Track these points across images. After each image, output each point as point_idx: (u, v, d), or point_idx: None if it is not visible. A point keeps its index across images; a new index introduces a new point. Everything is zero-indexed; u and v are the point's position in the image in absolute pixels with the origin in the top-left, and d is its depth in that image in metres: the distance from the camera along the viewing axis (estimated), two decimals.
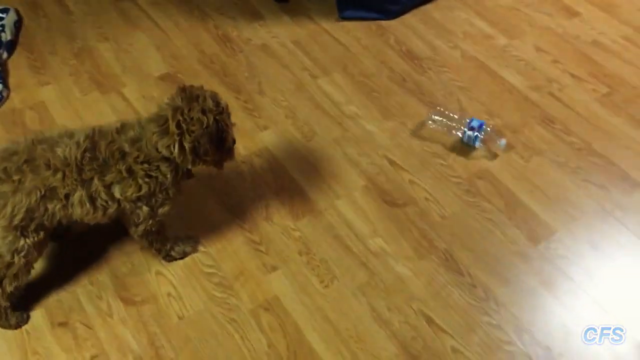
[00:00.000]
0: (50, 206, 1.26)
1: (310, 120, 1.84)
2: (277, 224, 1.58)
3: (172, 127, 1.26)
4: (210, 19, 2.18)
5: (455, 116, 1.80)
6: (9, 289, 1.33)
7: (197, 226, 1.56)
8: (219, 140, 1.32)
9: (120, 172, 1.28)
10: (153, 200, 1.34)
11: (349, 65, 2.01)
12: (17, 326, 1.40)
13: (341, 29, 2.14)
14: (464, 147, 1.77)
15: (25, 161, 1.25)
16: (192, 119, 1.26)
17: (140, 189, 1.30)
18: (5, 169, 1.24)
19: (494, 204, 1.62)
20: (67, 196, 1.27)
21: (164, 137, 1.27)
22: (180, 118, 1.26)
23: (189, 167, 1.35)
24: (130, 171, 1.29)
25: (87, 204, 1.29)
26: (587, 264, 1.50)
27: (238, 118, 1.83)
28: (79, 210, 1.29)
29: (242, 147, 1.75)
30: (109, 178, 1.28)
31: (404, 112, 1.86)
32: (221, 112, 1.32)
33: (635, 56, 2.04)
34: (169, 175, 1.32)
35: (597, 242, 1.54)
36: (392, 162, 1.72)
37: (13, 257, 1.29)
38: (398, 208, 1.62)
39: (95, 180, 1.27)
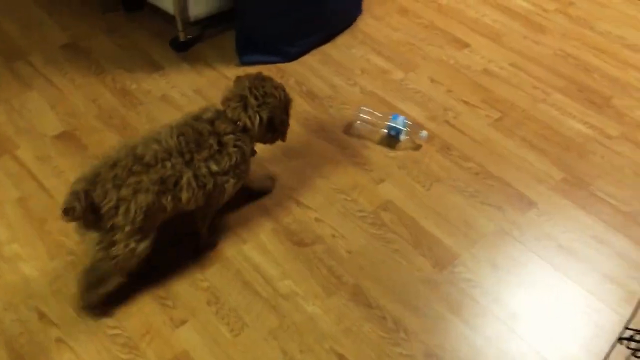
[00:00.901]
0: (163, 200, 1.36)
1: None
2: (184, 276, 1.55)
3: (252, 100, 1.47)
4: (108, 73, 2.15)
5: (380, 114, 1.92)
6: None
7: None
8: (286, 113, 1.56)
9: (212, 146, 1.41)
10: (237, 171, 1.47)
11: None
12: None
13: (241, 74, 2.15)
14: (390, 141, 1.91)
15: (134, 162, 1.33)
16: (266, 93, 1.48)
17: (231, 158, 1.44)
18: (115, 176, 1.31)
19: (399, 234, 1.66)
20: (176, 183, 1.37)
21: (245, 110, 1.46)
22: (257, 93, 1.47)
23: (262, 140, 1.55)
24: (220, 143, 1.43)
25: (193, 184, 1.39)
26: (490, 284, 1.55)
27: None
28: (186, 195, 1.39)
29: None
30: (205, 154, 1.40)
31: (307, 151, 1.89)
32: (284, 89, 1.55)
33: (522, 81, 2.16)
34: (249, 146, 1.49)
35: (498, 262, 1.60)
36: (298, 203, 1.73)
37: (133, 258, 1.37)
38: (306, 247, 1.62)
39: (195, 159, 1.39)
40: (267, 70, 2.18)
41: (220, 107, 1.50)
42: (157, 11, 2.30)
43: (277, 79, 2.12)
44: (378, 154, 1.88)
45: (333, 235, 1.65)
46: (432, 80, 2.16)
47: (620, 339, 1.29)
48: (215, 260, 1.58)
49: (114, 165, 1.33)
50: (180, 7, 2.14)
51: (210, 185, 1.43)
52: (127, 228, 1.32)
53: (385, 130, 1.92)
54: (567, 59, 2.25)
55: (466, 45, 2.32)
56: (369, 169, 1.83)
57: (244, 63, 2.19)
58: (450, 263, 1.59)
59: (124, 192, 1.31)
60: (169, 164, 1.36)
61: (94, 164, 1.35)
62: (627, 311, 1.48)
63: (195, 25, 2.26)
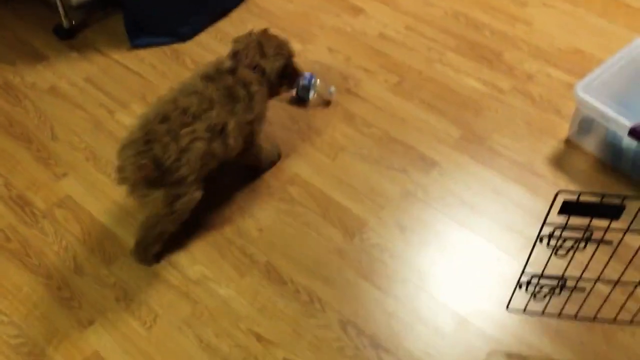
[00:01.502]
0: (214, 146, 1.42)
1: (113, 158, 1.74)
2: (88, 273, 1.49)
3: (268, 49, 1.58)
4: None
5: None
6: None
7: None
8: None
9: (244, 96, 1.49)
10: (262, 116, 1.57)
11: (147, 93, 1.95)
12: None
13: (134, 58, 2.08)
14: (299, 101, 1.93)
15: (183, 114, 1.37)
16: (278, 44, 1.61)
17: (259, 106, 1.53)
18: (169, 129, 1.34)
19: (308, 207, 1.66)
20: (222, 130, 1.43)
21: (262, 57, 1.56)
22: (270, 44, 1.59)
23: (274, 88, 1.62)
24: (249, 93, 1.50)
25: (236, 131, 1.46)
26: (399, 247, 1.58)
27: (32, 169, 1.71)
28: (232, 141, 1.46)
29: (41, 200, 1.64)
30: (241, 104, 1.47)
31: None
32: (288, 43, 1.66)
33: (418, 43, 2.19)
34: (267, 91, 1.58)
35: (405, 224, 1.64)
36: None
37: (191, 208, 1.44)
38: (215, 230, 1.60)
39: (235, 108, 1.45)
40: (162, 51, 2.11)
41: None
42: None
43: (172, 61, 2.09)
44: (282, 128, 1.86)
45: (242, 215, 1.63)
46: (330, 50, 2.16)
47: (519, 284, 1.35)
48: (120, 254, 1.53)
49: (164, 119, 1.36)
50: None
51: (246, 131, 1.52)
52: (191, 177, 1.38)
53: (293, 92, 1.93)
54: (458, 17, 2.30)
55: (361, 11, 2.33)
56: (269, 148, 1.82)
57: (135, 46, 2.10)
58: (359, 230, 1.61)
59: (183, 142, 1.35)
60: (214, 113, 1.41)
61: (136, 126, 1.37)
62: (526, 256, 1.56)
63: (80, 10, 2.14)
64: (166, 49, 2.12)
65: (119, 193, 1.66)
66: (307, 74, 1.91)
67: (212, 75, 1.49)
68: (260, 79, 1.56)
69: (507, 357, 1.39)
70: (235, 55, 1.57)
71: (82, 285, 1.47)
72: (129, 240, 1.56)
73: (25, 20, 2.21)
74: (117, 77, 2.01)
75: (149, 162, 1.31)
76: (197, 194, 1.43)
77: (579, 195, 1.09)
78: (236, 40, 1.61)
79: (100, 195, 1.66)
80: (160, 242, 1.49)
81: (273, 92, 1.65)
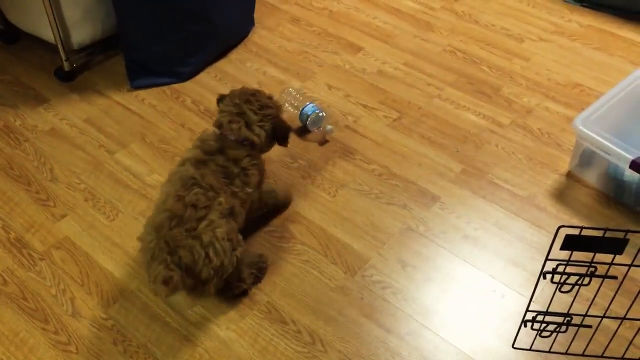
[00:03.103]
0: (231, 225, 1.41)
1: (112, 199, 1.75)
2: (85, 317, 1.47)
3: (252, 116, 1.50)
4: None
5: (301, 98, 1.99)
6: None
7: None
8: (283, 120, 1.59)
9: (239, 173, 1.46)
10: (260, 183, 1.55)
11: (147, 133, 1.96)
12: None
13: (134, 99, 2.09)
14: (301, 131, 1.97)
15: (194, 209, 1.35)
16: (262, 106, 1.51)
17: (255, 177, 1.49)
18: (188, 229, 1.33)
19: (308, 245, 1.64)
20: (231, 212, 1.42)
21: (248, 127, 1.49)
22: (253, 108, 1.50)
23: (266, 151, 1.57)
24: (243, 169, 1.47)
25: (241, 208, 1.46)
26: (401, 283, 1.56)
27: (30, 211, 1.71)
28: (239, 218, 1.46)
29: (39, 242, 1.63)
30: (238, 181, 1.45)
31: None
32: (273, 96, 1.59)
33: (416, 79, 2.21)
34: (260, 159, 1.54)
35: (407, 259, 1.61)
36: None
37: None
38: None
39: (236, 189, 1.44)
40: (161, 93, 2.12)
41: (214, 130, 1.52)
42: (39, 41, 2.19)
43: (172, 101, 2.11)
44: (282, 165, 1.86)
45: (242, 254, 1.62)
46: (330, 87, 2.17)
47: (525, 322, 1.33)
48: (118, 296, 1.51)
49: (178, 222, 1.34)
50: (60, 35, 2.04)
51: (248, 204, 1.50)
52: (226, 262, 1.36)
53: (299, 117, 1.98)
54: (455, 53, 2.32)
55: (360, 48, 2.35)
56: (272, 182, 1.81)
57: (135, 87, 2.12)
58: (360, 267, 1.59)
59: (206, 238, 1.33)
60: (222, 199, 1.40)
61: (150, 234, 1.35)
62: (530, 292, 1.53)
63: (80, 53, 2.17)
64: (166, 89, 2.14)
65: (117, 234, 1.66)
66: (312, 106, 1.94)
67: (203, 160, 1.44)
68: (251, 152, 1.49)
69: None
70: (220, 127, 1.50)
71: (79, 329, 1.44)
72: (128, 282, 1.54)
73: (26, 63, 2.24)
74: (118, 118, 2.02)
75: (176, 274, 1.29)
76: (239, 252, 1.41)
77: (581, 230, 1.07)
78: (220, 110, 1.53)
79: (99, 236, 1.65)
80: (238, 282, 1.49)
81: (267, 151, 1.60)
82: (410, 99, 2.12)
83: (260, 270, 1.55)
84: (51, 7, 1.97)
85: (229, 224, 1.40)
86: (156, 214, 1.38)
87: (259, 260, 1.56)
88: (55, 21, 2.00)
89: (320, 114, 1.95)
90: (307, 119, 1.94)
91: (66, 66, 2.12)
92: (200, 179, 1.40)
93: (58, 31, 2.03)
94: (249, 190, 1.48)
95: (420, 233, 1.68)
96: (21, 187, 1.78)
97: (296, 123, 1.97)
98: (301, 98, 1.99)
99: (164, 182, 1.47)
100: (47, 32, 2.06)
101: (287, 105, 1.99)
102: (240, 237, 1.43)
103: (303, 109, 1.95)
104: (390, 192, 1.80)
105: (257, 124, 1.50)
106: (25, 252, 1.61)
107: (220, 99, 1.56)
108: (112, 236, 1.65)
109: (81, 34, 2.10)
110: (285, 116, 1.65)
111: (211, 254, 1.33)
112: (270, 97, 1.56)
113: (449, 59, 2.29)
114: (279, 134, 1.55)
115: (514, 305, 1.51)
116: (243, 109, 1.49)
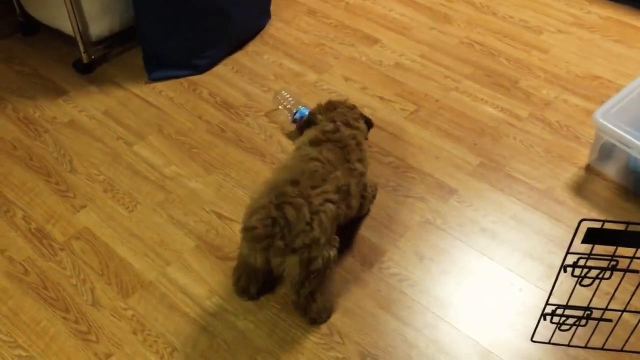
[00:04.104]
0: (342, 207, 1.42)
1: (131, 190, 1.77)
2: (105, 306, 1.48)
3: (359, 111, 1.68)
4: (8, 102, 2.04)
5: (293, 100, 1.97)
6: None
7: (14, 328, 1.43)
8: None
9: (355, 148, 1.53)
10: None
11: (165, 125, 1.97)
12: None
13: (152, 91, 2.10)
14: (279, 130, 1.96)
15: (312, 176, 1.38)
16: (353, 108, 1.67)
17: (366, 156, 1.58)
18: (301, 193, 1.33)
19: None
20: (347, 192, 1.45)
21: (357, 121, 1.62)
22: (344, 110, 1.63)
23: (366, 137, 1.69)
24: (358, 143, 1.55)
25: (357, 191, 1.50)
26: (418, 275, 1.56)
27: (50, 202, 1.73)
28: (355, 202, 1.50)
29: (59, 233, 1.64)
30: (354, 155, 1.51)
31: (226, 162, 1.85)
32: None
33: (433, 71, 2.20)
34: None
35: (424, 252, 1.61)
36: (220, 216, 1.70)
37: (330, 268, 1.40)
38: (232, 261, 1.58)
39: (353, 166, 1.49)
40: (178, 85, 2.13)
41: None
42: (57, 34, 2.20)
43: (189, 93, 2.12)
44: None
45: None
46: (346, 79, 2.17)
47: (544, 315, 1.32)
48: (138, 287, 1.53)
49: (294, 182, 1.35)
50: (79, 27, 2.06)
51: (361, 186, 1.54)
52: (323, 239, 1.33)
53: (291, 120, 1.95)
54: (473, 45, 2.30)
55: (376, 41, 2.34)
56: None
57: (153, 80, 2.13)
58: (377, 260, 1.59)
59: (315, 203, 1.33)
60: (339, 174, 1.43)
61: (263, 191, 1.35)
62: (549, 286, 1.52)
63: (99, 45, 2.18)
64: (183, 81, 2.14)
65: (136, 225, 1.67)
66: (305, 110, 1.91)
67: (320, 139, 1.50)
68: (362, 132, 1.62)
69: None
70: (333, 121, 1.58)
71: (99, 318, 1.46)
72: (147, 272, 1.56)
73: (45, 55, 2.25)
74: (135, 110, 2.03)
75: (272, 224, 1.28)
76: (332, 253, 1.37)
77: (603, 224, 1.07)
78: (320, 120, 1.62)
79: (118, 227, 1.66)
80: (316, 300, 1.42)
81: (366, 137, 1.70)
82: (427, 92, 2.11)
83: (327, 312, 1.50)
84: (70, 0, 1.98)
85: (340, 208, 1.41)
86: (273, 178, 1.40)
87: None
88: (74, 13, 2.02)
89: None
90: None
91: (85, 58, 2.13)
92: (317, 154, 1.45)
93: (77, 23, 2.04)
94: (363, 168, 1.53)
95: (437, 226, 1.68)
96: (41, 178, 1.80)
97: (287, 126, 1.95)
98: (293, 101, 1.97)
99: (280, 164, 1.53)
100: (66, 25, 2.07)
101: (280, 107, 1.98)
102: (337, 240, 1.41)
103: (296, 112, 1.93)
104: (407, 184, 1.79)
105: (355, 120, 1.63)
106: (45, 242, 1.63)
107: (312, 116, 1.65)
108: (131, 227, 1.66)
109: (99, 26, 2.11)
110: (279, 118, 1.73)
111: (315, 222, 1.32)
112: (353, 107, 1.68)
113: (466, 51, 2.28)
114: (369, 125, 1.72)
115: (532, 299, 1.51)
116: (336, 116, 1.61)
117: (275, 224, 1.28)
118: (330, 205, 1.36)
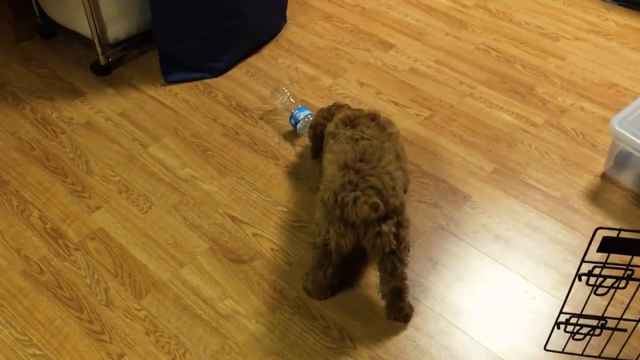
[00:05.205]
0: (403, 173, 1.55)
1: (146, 191, 1.78)
2: (119, 307, 1.50)
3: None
4: (26, 103, 2.07)
5: (293, 101, 1.98)
6: None
7: (29, 327, 1.45)
8: None
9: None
10: None
11: (180, 128, 1.99)
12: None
13: (167, 93, 2.12)
14: (293, 134, 1.97)
15: (372, 152, 1.42)
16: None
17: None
18: (373, 166, 1.38)
19: None
20: (398, 155, 1.54)
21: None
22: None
23: None
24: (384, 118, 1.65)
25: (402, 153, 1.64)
26: (431, 281, 1.55)
27: (66, 202, 1.74)
28: (404, 165, 1.64)
29: (74, 233, 1.66)
30: (385, 123, 1.62)
31: (240, 165, 1.86)
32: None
33: (448, 77, 2.19)
34: None
35: (437, 258, 1.61)
36: (234, 219, 1.70)
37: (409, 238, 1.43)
38: (245, 264, 1.59)
39: (390, 128, 1.61)
40: (194, 87, 2.15)
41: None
42: (75, 36, 2.23)
43: (205, 96, 2.13)
44: (314, 166, 1.87)
45: (272, 249, 1.63)
46: (361, 84, 2.17)
47: (558, 324, 1.31)
48: (151, 288, 1.53)
49: (361, 158, 1.39)
50: (97, 29, 2.08)
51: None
52: (403, 205, 1.39)
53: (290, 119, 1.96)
54: (489, 52, 2.30)
55: (391, 46, 2.34)
56: (304, 179, 1.82)
57: (169, 82, 2.15)
58: None
59: (391, 168, 1.39)
60: (389, 144, 1.50)
61: (334, 172, 1.39)
62: (563, 294, 1.51)
63: (116, 47, 2.20)
64: (199, 84, 2.16)
65: (150, 226, 1.68)
66: (304, 110, 1.93)
67: (351, 117, 1.59)
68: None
69: None
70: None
71: (112, 319, 1.47)
72: (160, 273, 1.57)
73: (63, 57, 2.28)
74: (151, 112, 2.05)
75: (379, 201, 1.30)
76: (409, 221, 1.43)
77: (619, 232, 1.06)
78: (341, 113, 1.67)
79: (132, 228, 1.68)
80: (406, 288, 1.44)
81: None
82: (442, 97, 2.11)
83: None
84: (89, 3, 2.00)
85: (403, 174, 1.50)
86: (336, 164, 1.41)
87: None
88: (93, 16, 2.04)
89: (311, 118, 1.90)
90: (296, 123, 1.93)
91: (102, 60, 2.15)
92: (361, 133, 1.50)
93: (95, 26, 2.06)
94: (396, 129, 1.61)
95: (450, 232, 1.67)
96: (57, 178, 1.82)
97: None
98: (294, 101, 1.97)
99: (326, 159, 1.52)
100: (84, 27, 2.09)
101: (277, 102, 1.99)
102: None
103: (294, 113, 1.93)
104: (421, 190, 1.79)
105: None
106: (61, 242, 1.65)
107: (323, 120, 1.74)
108: (145, 228, 1.68)
109: (117, 28, 2.14)
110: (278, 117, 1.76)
111: (398, 187, 1.38)
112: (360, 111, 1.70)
113: (482, 57, 2.27)
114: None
115: (546, 307, 1.50)
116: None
117: (370, 196, 1.31)
118: (399, 173, 1.42)
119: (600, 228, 1.11)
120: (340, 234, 1.35)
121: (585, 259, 1.16)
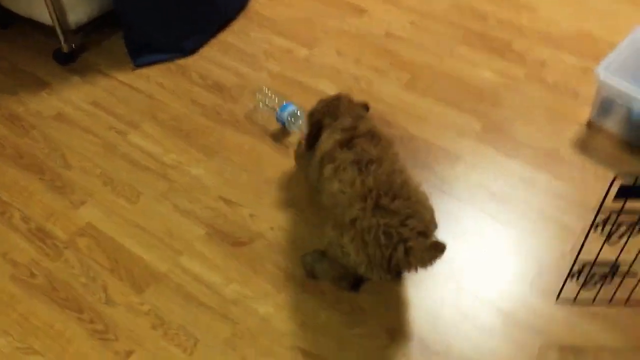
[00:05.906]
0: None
1: (131, 181, 1.71)
2: (120, 303, 1.44)
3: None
4: None
5: (276, 98, 1.86)
6: None
7: (27, 334, 1.38)
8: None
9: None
10: None
11: (158, 112, 1.90)
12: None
13: (139, 78, 2.02)
14: (283, 132, 1.84)
15: (390, 172, 1.36)
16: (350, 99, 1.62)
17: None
18: (390, 184, 1.32)
19: None
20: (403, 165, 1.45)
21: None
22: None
23: None
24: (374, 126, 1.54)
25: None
26: None
27: (47, 200, 1.66)
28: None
29: (61, 231, 1.58)
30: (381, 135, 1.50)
31: (225, 146, 1.80)
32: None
33: (426, 39, 2.16)
34: None
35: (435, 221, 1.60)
36: (227, 201, 1.65)
37: None
38: (245, 246, 1.55)
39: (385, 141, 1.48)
40: (166, 69, 2.06)
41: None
42: (33, 24, 2.10)
43: (179, 77, 2.04)
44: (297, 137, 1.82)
45: (271, 228, 1.58)
46: (338, 52, 2.12)
47: (571, 274, 1.32)
48: (151, 280, 1.48)
49: (387, 189, 1.31)
50: (57, 15, 1.96)
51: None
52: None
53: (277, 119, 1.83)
54: (462, 9, 2.27)
55: (363, 11, 2.29)
56: (292, 154, 1.77)
57: (138, 65, 2.05)
58: None
59: (425, 200, 1.35)
60: (393, 157, 1.43)
61: (357, 185, 1.32)
62: (564, 244, 1.52)
63: (79, 33, 2.08)
64: (171, 65, 2.07)
65: (141, 217, 1.61)
66: (289, 107, 1.80)
67: (348, 138, 1.44)
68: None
69: (559, 350, 1.35)
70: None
71: (115, 316, 1.41)
72: (158, 264, 1.51)
73: (22, 48, 2.15)
74: (124, 98, 1.95)
75: (441, 241, 1.24)
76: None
77: (635, 179, 1.06)
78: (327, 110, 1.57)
79: (122, 221, 1.61)
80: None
81: None
82: (421, 60, 2.08)
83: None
84: None
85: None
86: (347, 191, 1.33)
87: None
88: (52, 1, 1.92)
89: (298, 112, 1.80)
90: (286, 120, 1.79)
91: (65, 48, 2.03)
92: (366, 154, 1.37)
93: (54, 11, 1.94)
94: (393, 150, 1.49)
95: (446, 192, 1.66)
96: (34, 176, 1.72)
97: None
98: (276, 99, 1.86)
99: (325, 179, 1.41)
100: (42, 13, 1.97)
101: (261, 105, 1.88)
102: None
103: (280, 110, 1.80)
104: (412, 154, 1.77)
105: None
106: (48, 242, 1.57)
107: (317, 122, 1.58)
108: (135, 219, 1.61)
109: (78, 12, 2.01)
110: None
111: (434, 214, 1.35)
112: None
113: (456, 16, 2.24)
114: (367, 109, 1.66)
115: (549, 259, 1.50)
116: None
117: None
118: (425, 194, 1.37)
119: (619, 175, 1.11)
120: (381, 275, 1.28)
121: (597, 208, 1.17)
